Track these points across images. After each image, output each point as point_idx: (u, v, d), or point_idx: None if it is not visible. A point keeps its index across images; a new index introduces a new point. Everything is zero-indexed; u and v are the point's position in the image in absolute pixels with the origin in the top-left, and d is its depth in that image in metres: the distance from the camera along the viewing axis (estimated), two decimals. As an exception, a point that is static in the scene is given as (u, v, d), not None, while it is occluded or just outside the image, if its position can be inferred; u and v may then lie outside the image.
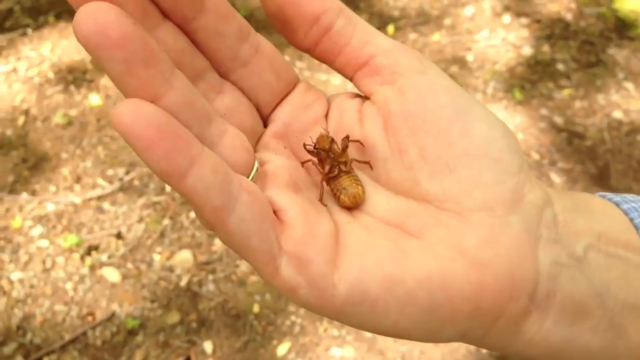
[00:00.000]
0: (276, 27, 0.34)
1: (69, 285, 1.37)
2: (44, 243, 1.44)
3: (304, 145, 0.34)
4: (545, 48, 1.82)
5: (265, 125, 0.35)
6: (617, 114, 1.65)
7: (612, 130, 1.62)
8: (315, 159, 0.34)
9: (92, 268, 1.39)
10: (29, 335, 1.30)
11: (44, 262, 1.41)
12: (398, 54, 0.33)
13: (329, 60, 0.34)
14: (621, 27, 1.84)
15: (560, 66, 1.77)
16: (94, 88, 1.77)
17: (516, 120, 1.64)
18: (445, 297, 0.28)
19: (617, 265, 0.31)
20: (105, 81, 1.77)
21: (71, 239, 1.42)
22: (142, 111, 0.24)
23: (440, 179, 0.31)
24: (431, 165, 0.31)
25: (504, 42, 1.84)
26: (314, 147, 0.33)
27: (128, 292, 1.36)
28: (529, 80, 1.73)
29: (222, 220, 0.27)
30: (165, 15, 0.30)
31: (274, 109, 0.35)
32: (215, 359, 1.27)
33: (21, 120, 1.69)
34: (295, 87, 0.35)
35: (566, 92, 1.70)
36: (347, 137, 0.33)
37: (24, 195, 1.53)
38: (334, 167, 0.34)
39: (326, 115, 0.36)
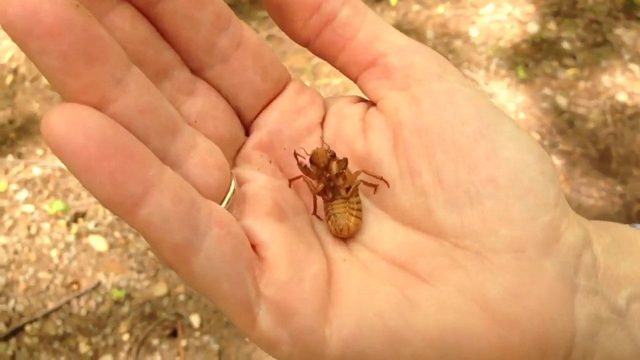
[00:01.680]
0: (271, 15, 0.28)
1: (54, 253, 1.34)
2: (29, 208, 1.40)
3: (295, 154, 0.28)
4: (552, 25, 1.77)
5: (248, 133, 0.29)
6: (621, 97, 1.61)
7: (615, 113, 1.58)
8: (308, 178, 0.29)
9: (78, 236, 1.36)
10: (11, 303, 1.27)
11: (28, 227, 1.37)
12: (414, 54, 0.28)
13: (330, 56, 0.29)
14: (629, 7, 1.80)
15: (565, 45, 1.72)
16: (85, 49, 1.72)
17: (518, 99, 1.60)
18: None
19: None
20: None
21: (57, 205, 1.38)
22: (81, 120, 0.19)
23: (459, 210, 0.25)
24: (448, 192, 0.26)
25: (509, 17, 1.79)
26: (310, 162, 0.28)
27: (114, 262, 1.33)
28: (534, 58, 1.69)
29: (184, 260, 0.22)
30: None
31: (258, 114, 0.29)
32: (202, 332, 1.25)
33: (9, 79, 1.64)
34: (285, 87, 0.30)
35: (570, 72, 1.66)
36: (345, 160, 0.28)
37: (10, 158, 1.48)
38: (328, 189, 0.28)
39: (322, 123, 0.30)
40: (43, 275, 1.31)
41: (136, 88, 0.22)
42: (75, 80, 0.20)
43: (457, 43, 1.74)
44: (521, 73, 1.65)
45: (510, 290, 0.24)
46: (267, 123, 0.29)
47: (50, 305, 1.27)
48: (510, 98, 1.60)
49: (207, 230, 0.22)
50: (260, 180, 0.27)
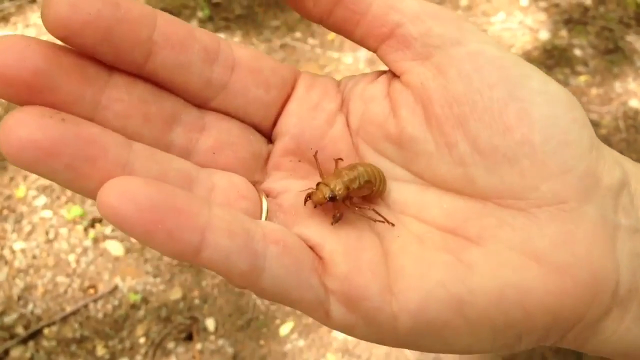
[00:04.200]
0: None
1: (71, 257, 1.35)
2: (47, 213, 1.42)
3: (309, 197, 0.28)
4: (563, 33, 1.78)
5: (271, 140, 0.30)
6: (634, 103, 1.62)
7: (627, 119, 1.59)
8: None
9: (96, 240, 1.38)
10: (30, 306, 1.29)
11: (47, 232, 1.39)
12: (430, 19, 0.28)
13: (346, 30, 0.29)
14: (641, 14, 1.80)
15: (577, 52, 1.73)
16: (101, 58, 1.75)
17: (530, 105, 1.60)
18: (522, 313, 0.25)
19: None
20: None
21: (75, 211, 1.40)
22: (131, 190, 0.20)
23: (499, 172, 0.26)
24: (486, 158, 0.26)
25: (520, 25, 1.80)
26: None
27: (131, 266, 1.34)
28: (545, 65, 1.70)
29: (254, 283, 0.23)
30: (113, 67, 0.25)
31: (276, 121, 0.30)
32: (217, 336, 1.26)
33: (27, 88, 1.67)
34: (295, 86, 0.30)
35: (582, 79, 1.66)
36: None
37: (29, 165, 1.51)
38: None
39: (341, 107, 0.31)
40: (61, 279, 1.33)
41: (141, 163, 0.23)
42: (88, 181, 0.22)
43: (469, 51, 1.75)
44: (533, 80, 1.66)
45: (556, 239, 0.25)
46: (288, 129, 0.30)
47: (68, 309, 1.28)
48: (522, 104, 1.61)
49: (266, 251, 0.23)
50: (294, 189, 0.28)
